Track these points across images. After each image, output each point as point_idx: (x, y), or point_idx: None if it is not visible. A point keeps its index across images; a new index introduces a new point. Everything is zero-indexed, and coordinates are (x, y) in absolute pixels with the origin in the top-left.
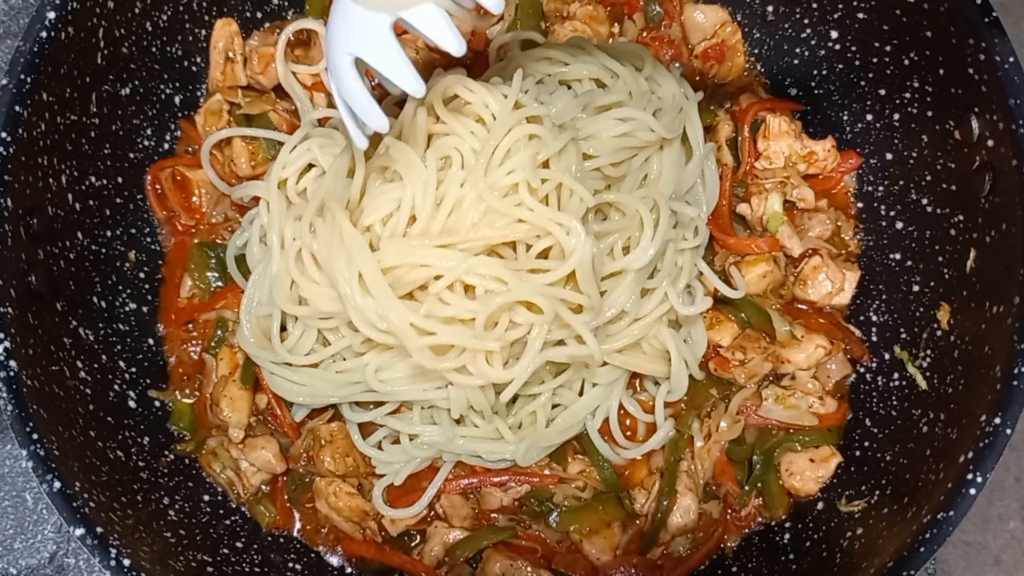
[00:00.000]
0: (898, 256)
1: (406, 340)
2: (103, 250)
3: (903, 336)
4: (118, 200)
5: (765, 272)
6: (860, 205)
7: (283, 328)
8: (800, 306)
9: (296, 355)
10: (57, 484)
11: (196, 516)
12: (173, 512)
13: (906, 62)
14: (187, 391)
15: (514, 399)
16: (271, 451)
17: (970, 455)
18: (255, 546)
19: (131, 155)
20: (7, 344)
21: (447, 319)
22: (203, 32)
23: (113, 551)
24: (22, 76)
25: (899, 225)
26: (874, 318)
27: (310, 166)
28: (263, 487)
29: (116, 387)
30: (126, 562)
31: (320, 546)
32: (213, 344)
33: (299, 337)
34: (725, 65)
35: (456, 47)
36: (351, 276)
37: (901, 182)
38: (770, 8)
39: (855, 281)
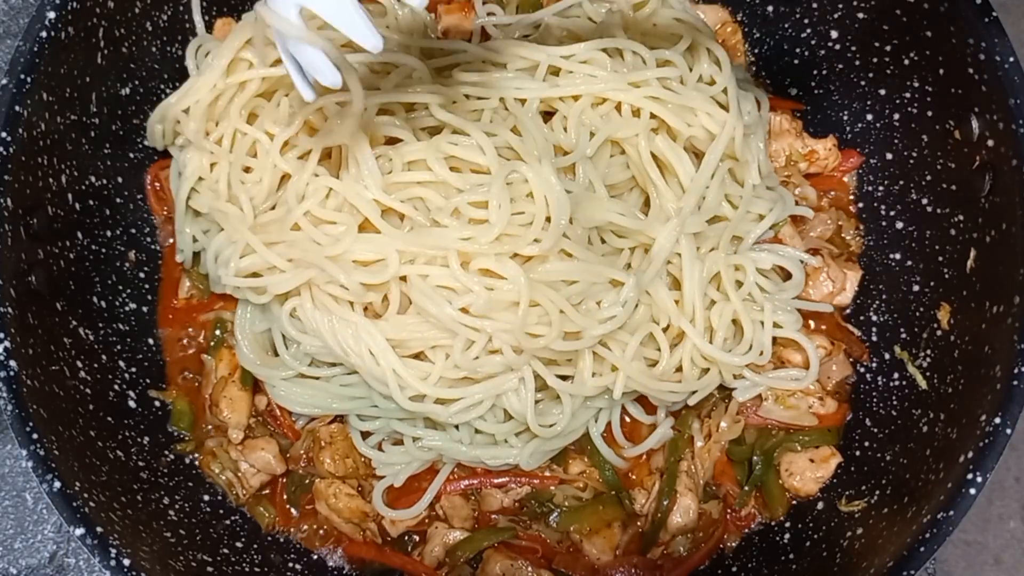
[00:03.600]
0: (898, 256)
1: (435, 416)
2: (103, 250)
3: (903, 336)
4: (118, 200)
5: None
6: (860, 205)
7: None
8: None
9: (300, 363)
10: (57, 484)
11: (196, 516)
12: (173, 512)
13: (906, 62)
14: (186, 391)
15: None
16: (271, 452)
17: (970, 455)
18: (255, 546)
19: (131, 155)
20: (7, 344)
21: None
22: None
23: (113, 551)
24: (22, 76)
25: (899, 225)
26: (874, 318)
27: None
28: (263, 489)
29: (116, 387)
30: (126, 562)
31: (320, 547)
32: (212, 345)
33: (299, 347)
34: None
35: (372, 43)
36: (361, 350)
37: (901, 182)
38: (770, 8)
39: (856, 281)
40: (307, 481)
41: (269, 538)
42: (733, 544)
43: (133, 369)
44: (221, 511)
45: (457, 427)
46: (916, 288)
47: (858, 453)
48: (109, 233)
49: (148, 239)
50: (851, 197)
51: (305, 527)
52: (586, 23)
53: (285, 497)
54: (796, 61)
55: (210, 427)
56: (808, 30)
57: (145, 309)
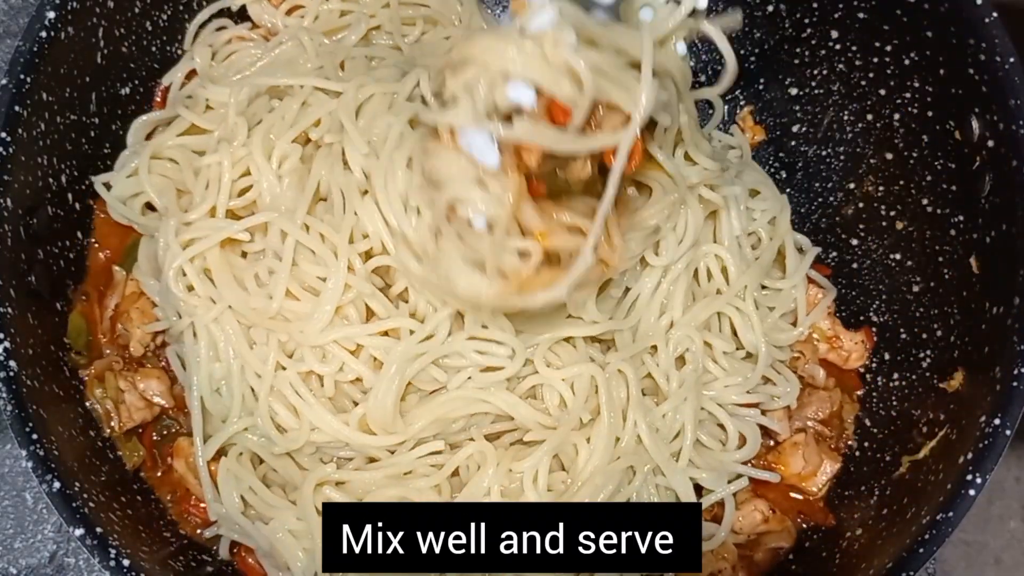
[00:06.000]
0: (898, 256)
1: None
2: None
3: (903, 336)
4: None
5: None
6: (860, 205)
7: None
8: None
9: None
10: (57, 484)
11: None
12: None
13: (906, 62)
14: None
15: None
16: (165, 384)
17: (970, 455)
18: None
19: None
20: (7, 344)
21: None
22: None
23: (113, 551)
24: (22, 76)
25: (899, 225)
26: (874, 318)
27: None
28: (138, 428)
29: None
30: (126, 562)
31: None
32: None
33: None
34: None
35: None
36: None
37: (901, 182)
38: (771, 7)
39: (832, 472)
40: (174, 430)
41: None
42: None
43: None
44: None
45: None
46: (916, 288)
47: (858, 453)
48: None
49: None
50: (858, 382)
51: (160, 474)
52: None
53: (155, 439)
54: (796, 61)
55: (108, 351)
56: (808, 30)
57: None
